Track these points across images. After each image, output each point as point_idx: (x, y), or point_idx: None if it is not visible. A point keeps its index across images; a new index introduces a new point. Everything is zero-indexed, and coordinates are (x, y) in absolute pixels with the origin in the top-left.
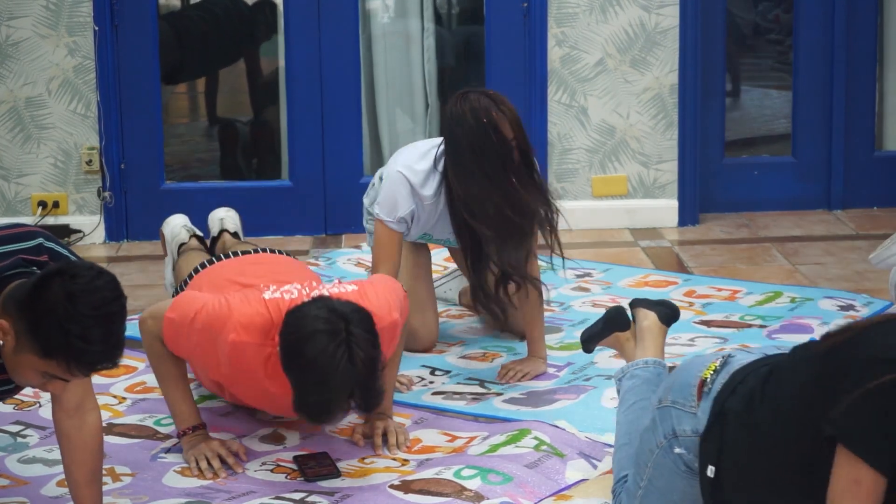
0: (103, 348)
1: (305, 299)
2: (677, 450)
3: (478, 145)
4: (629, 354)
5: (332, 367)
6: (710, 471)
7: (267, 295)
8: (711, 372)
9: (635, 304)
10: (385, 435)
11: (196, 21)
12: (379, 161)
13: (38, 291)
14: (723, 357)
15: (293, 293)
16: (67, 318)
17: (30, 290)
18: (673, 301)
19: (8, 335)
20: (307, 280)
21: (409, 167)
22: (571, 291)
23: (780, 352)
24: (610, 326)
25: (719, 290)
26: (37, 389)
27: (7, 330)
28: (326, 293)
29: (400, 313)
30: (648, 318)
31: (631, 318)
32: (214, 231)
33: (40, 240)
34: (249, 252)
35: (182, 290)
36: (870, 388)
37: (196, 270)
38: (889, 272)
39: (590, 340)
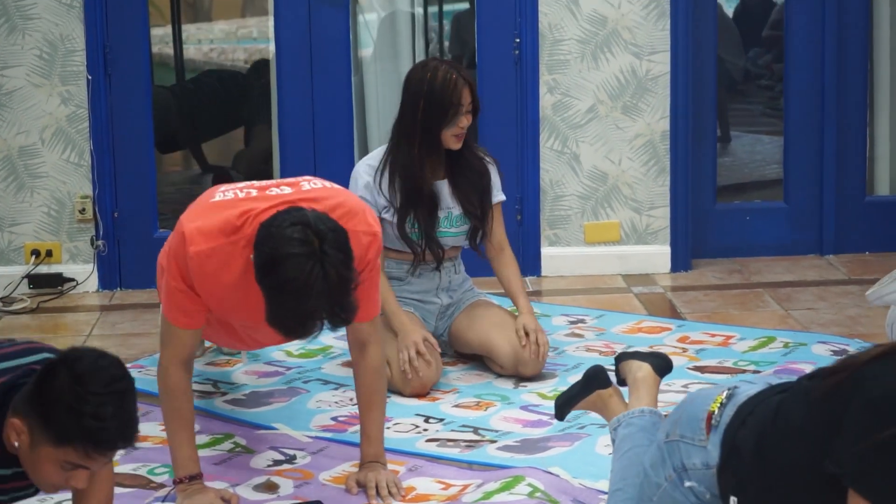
0: (117, 424)
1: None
2: (688, 483)
3: (434, 96)
4: (613, 410)
5: (307, 289)
6: (733, 501)
7: (217, 197)
8: (718, 405)
9: (624, 357)
10: (378, 483)
11: (195, 93)
12: None
13: (44, 381)
14: (728, 389)
15: (251, 191)
16: (77, 399)
17: (36, 382)
18: (666, 347)
19: (22, 434)
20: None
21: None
22: (565, 337)
23: (784, 380)
24: (591, 385)
25: (713, 335)
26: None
27: (20, 429)
28: (293, 192)
29: (378, 227)
30: (643, 370)
31: (616, 374)
32: None
33: (45, 354)
34: None
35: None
36: (881, 439)
37: None
38: (885, 312)
39: (567, 404)
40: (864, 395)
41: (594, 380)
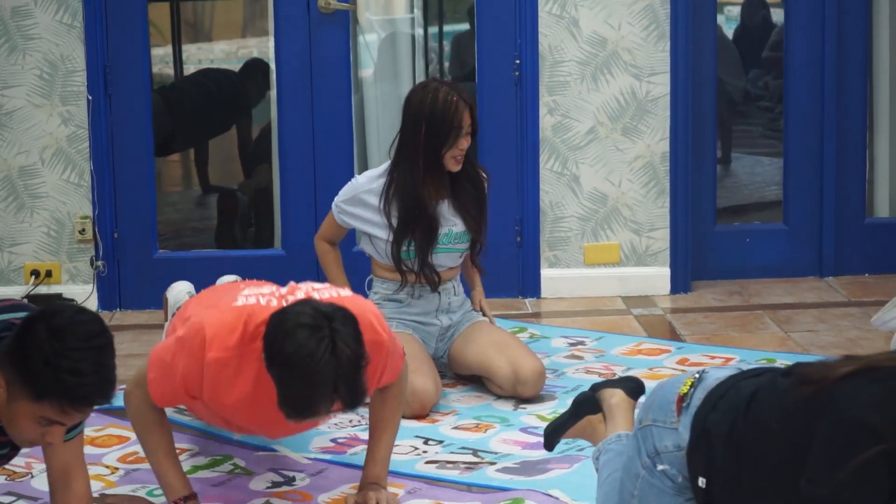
0: (95, 380)
1: (286, 304)
2: (661, 466)
3: (435, 119)
4: (602, 437)
5: (315, 359)
6: (702, 482)
7: (240, 301)
8: (689, 387)
9: (598, 387)
10: (378, 502)
11: (187, 93)
12: None
13: (22, 336)
14: (698, 373)
15: (272, 300)
16: (55, 354)
17: (14, 337)
18: (666, 369)
19: (0, 388)
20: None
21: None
22: (565, 359)
23: (754, 367)
24: (581, 410)
25: (712, 357)
26: (28, 460)
27: None
28: (305, 296)
29: (386, 334)
30: (616, 396)
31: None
32: None
33: (28, 312)
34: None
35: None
36: (857, 463)
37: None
38: (885, 335)
39: (556, 432)
40: (838, 413)
41: (584, 405)
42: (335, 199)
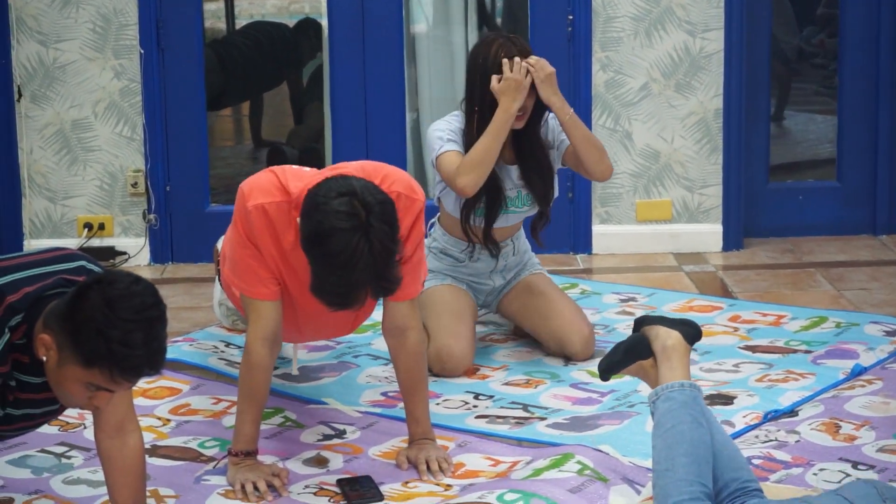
0: (145, 352)
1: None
2: None
3: (488, 74)
4: (654, 380)
5: (352, 264)
6: None
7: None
8: None
9: (649, 321)
10: (429, 460)
11: (239, 46)
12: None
13: (76, 301)
14: None
15: (305, 169)
16: (107, 323)
17: (68, 302)
18: (717, 326)
19: (50, 350)
20: None
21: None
22: (616, 315)
23: None
24: (632, 356)
25: (764, 315)
26: (81, 411)
27: (49, 344)
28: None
29: (420, 195)
30: (672, 338)
31: (633, 328)
32: None
33: (82, 262)
34: None
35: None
36: None
37: None
38: None
39: (609, 370)
40: None
41: (633, 351)
42: (435, 150)
